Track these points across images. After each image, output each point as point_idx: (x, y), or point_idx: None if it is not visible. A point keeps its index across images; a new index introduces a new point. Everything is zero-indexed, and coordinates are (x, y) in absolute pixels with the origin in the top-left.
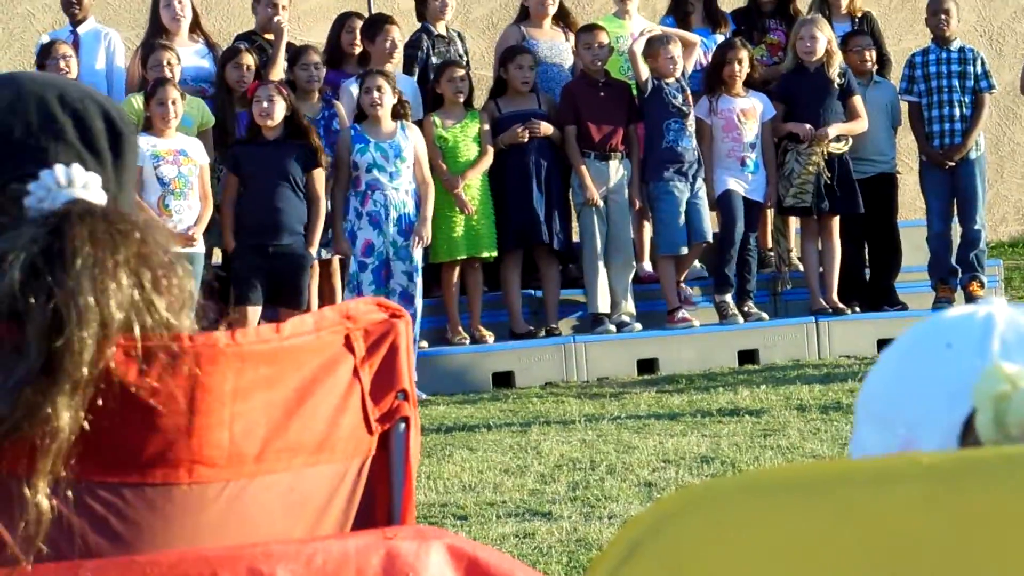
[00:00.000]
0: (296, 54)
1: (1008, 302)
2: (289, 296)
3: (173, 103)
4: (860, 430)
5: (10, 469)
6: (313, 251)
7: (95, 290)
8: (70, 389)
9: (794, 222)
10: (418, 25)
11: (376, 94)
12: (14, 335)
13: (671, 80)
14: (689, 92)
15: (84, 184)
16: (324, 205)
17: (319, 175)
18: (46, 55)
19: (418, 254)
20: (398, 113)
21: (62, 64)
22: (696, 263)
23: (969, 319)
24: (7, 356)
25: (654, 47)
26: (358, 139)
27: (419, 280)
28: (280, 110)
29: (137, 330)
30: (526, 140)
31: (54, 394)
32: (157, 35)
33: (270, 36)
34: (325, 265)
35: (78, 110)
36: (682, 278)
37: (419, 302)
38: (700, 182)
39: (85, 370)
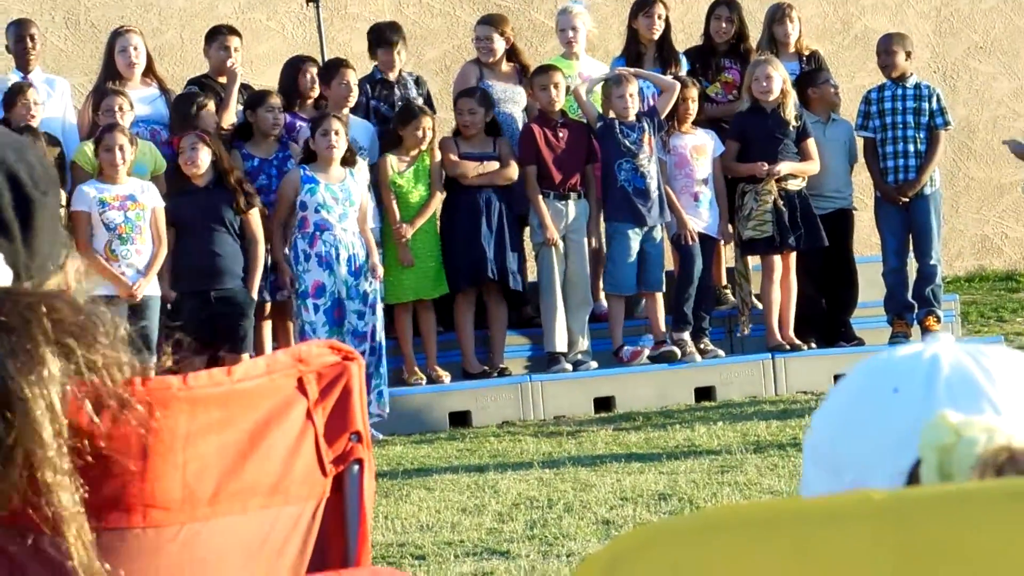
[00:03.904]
0: (259, 98)
1: (956, 339)
2: (231, 340)
3: (120, 149)
4: (808, 473)
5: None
6: (254, 294)
7: (25, 377)
8: (50, 470)
9: (752, 261)
10: (370, 68)
11: (333, 137)
12: None
13: (628, 119)
14: (649, 132)
15: None
16: (262, 246)
17: (254, 216)
18: (14, 96)
19: (376, 288)
20: (346, 159)
21: (30, 111)
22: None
23: (915, 361)
24: None
25: (608, 87)
26: (307, 180)
27: (380, 315)
28: (205, 157)
29: (101, 424)
30: (473, 176)
31: (41, 480)
32: (110, 79)
33: (223, 80)
34: (279, 307)
35: None
36: (660, 319)
37: (381, 336)
38: (659, 227)
39: (51, 452)
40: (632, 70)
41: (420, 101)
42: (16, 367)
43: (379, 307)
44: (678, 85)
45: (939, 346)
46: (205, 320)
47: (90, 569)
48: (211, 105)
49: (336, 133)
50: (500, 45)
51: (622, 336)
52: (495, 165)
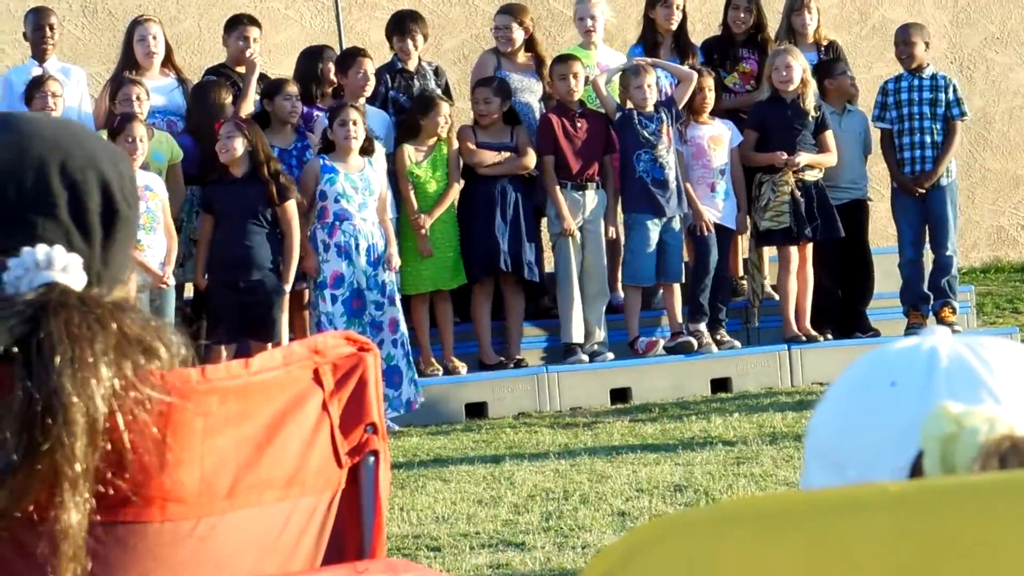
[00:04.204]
0: (276, 87)
1: (953, 332)
2: (260, 329)
3: (141, 140)
4: (809, 468)
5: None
6: (287, 285)
7: (76, 387)
8: (70, 486)
9: (768, 252)
10: (390, 56)
11: (352, 127)
12: None
13: (646, 110)
14: (667, 123)
15: (63, 267)
16: (297, 238)
17: (290, 208)
18: (36, 87)
19: (394, 279)
20: (365, 149)
21: (50, 101)
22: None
23: (913, 353)
24: None
25: (626, 77)
26: (327, 169)
27: (399, 303)
28: (239, 146)
29: (120, 419)
30: (490, 163)
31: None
32: (128, 69)
33: (241, 69)
34: (296, 297)
35: (76, 183)
36: (677, 310)
37: (404, 328)
38: (677, 217)
39: (78, 466)
40: (650, 60)
41: (439, 91)
42: (70, 375)
43: (398, 298)
44: (695, 75)
45: (936, 338)
46: (235, 308)
47: None
48: (226, 96)
49: (354, 123)
50: (519, 35)
51: (638, 327)
52: (513, 155)
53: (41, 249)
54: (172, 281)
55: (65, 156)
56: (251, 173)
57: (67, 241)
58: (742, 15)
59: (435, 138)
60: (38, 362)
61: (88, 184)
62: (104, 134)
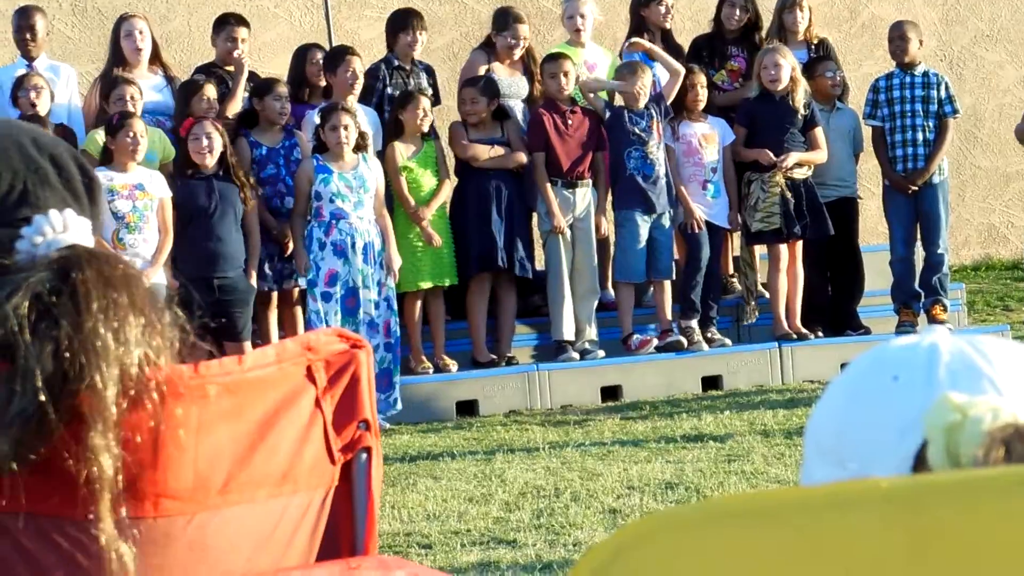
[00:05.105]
0: (266, 86)
1: (952, 329)
2: (232, 329)
3: (141, 136)
4: (809, 464)
5: (39, 509)
6: (254, 282)
7: (112, 331)
8: (103, 429)
9: (758, 250)
10: (380, 55)
11: (343, 132)
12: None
13: (637, 108)
14: (657, 119)
15: (79, 229)
16: (258, 236)
17: (253, 208)
18: (19, 87)
19: (390, 282)
20: (359, 146)
21: (33, 96)
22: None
23: (914, 350)
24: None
25: (620, 75)
26: (321, 169)
27: (395, 307)
28: (218, 146)
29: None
30: (485, 158)
31: (88, 436)
32: (117, 66)
33: (230, 68)
34: (285, 295)
35: (54, 155)
36: (666, 307)
37: (397, 331)
38: (667, 214)
39: (113, 409)
40: (647, 44)
41: (430, 92)
42: (104, 320)
43: (394, 301)
44: (683, 70)
45: (936, 335)
46: (208, 307)
47: (115, 544)
48: (209, 91)
49: (345, 128)
50: (521, 47)
51: (631, 324)
52: (506, 150)
53: (54, 214)
54: (163, 279)
55: (33, 136)
56: (217, 171)
57: (66, 207)
58: (738, 13)
59: (420, 134)
60: (72, 309)
61: (63, 157)
62: (101, 131)
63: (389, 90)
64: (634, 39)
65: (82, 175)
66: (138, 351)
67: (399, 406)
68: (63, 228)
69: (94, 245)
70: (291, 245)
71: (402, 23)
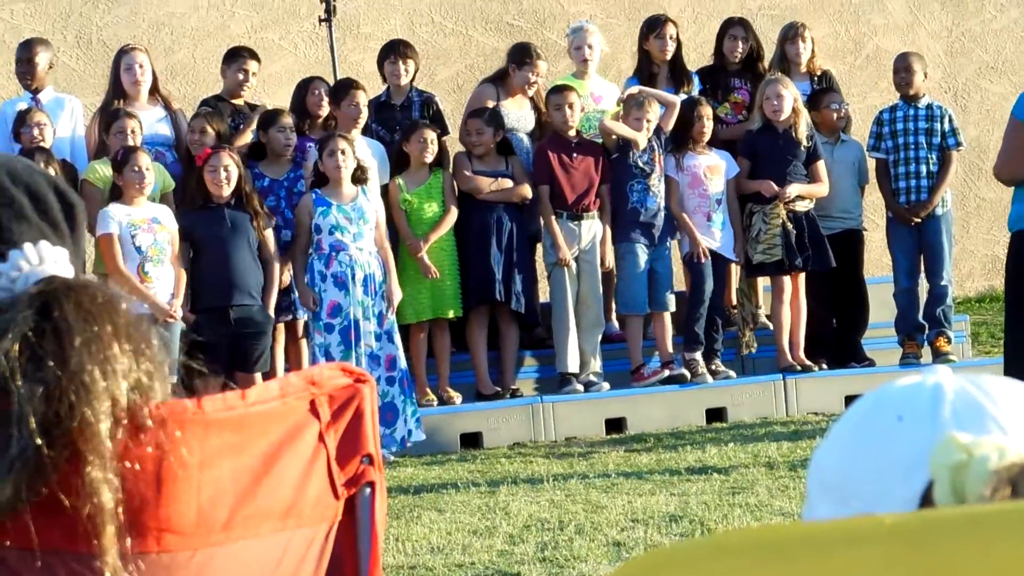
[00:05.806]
0: (271, 117)
1: (955, 362)
2: (248, 359)
3: (148, 170)
4: (813, 502)
5: (42, 544)
6: (271, 311)
7: (98, 364)
8: (100, 463)
9: (762, 281)
10: (383, 87)
11: (340, 157)
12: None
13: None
14: (659, 152)
15: (55, 260)
16: (278, 265)
17: (269, 235)
18: (21, 122)
19: (392, 317)
20: (357, 178)
21: (36, 132)
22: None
23: (918, 389)
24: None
25: (627, 109)
26: (320, 202)
27: (398, 340)
28: (235, 177)
29: (126, 399)
30: (487, 191)
31: (86, 472)
32: (117, 99)
33: (237, 101)
34: (289, 327)
35: (30, 185)
36: (667, 339)
37: (402, 362)
38: (668, 245)
39: (108, 443)
40: (638, 88)
41: (426, 120)
42: (91, 354)
43: (396, 335)
44: (679, 101)
45: (940, 375)
46: (224, 338)
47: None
48: (220, 126)
49: (343, 153)
50: (535, 84)
51: (641, 356)
52: (509, 183)
53: (29, 248)
54: (180, 314)
55: (9, 168)
56: (231, 201)
57: (42, 238)
58: (740, 45)
59: (425, 165)
60: (55, 345)
61: (40, 186)
62: (102, 161)
63: (374, 127)
64: (629, 90)
65: (61, 203)
66: (128, 380)
67: (421, 436)
68: (39, 261)
69: (72, 274)
70: (287, 278)
71: (385, 53)
